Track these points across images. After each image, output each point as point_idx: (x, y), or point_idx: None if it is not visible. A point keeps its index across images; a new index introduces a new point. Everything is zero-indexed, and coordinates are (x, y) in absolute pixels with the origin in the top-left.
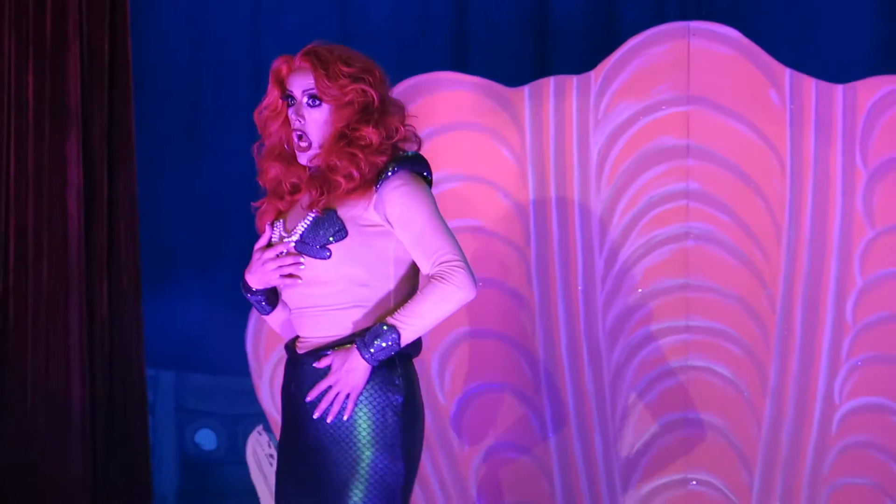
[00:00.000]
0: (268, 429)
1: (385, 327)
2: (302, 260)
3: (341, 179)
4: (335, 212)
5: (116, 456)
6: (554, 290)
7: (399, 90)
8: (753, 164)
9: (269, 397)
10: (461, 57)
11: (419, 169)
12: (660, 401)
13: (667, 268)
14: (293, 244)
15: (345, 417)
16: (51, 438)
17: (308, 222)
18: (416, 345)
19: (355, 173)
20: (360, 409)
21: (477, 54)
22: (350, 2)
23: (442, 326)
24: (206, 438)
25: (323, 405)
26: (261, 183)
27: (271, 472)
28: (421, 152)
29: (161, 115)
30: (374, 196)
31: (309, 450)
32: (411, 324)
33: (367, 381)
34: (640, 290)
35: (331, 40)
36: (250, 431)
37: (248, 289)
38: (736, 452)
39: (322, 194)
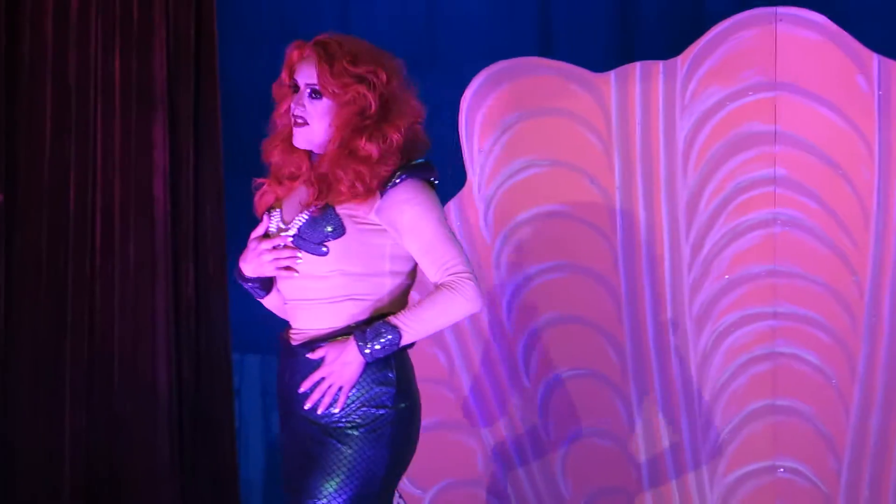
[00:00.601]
0: None
1: (387, 327)
2: (299, 255)
3: (344, 190)
4: (333, 209)
5: (203, 440)
6: (640, 275)
7: (485, 75)
8: (841, 151)
9: None
10: (547, 42)
11: (426, 175)
12: (747, 388)
13: (754, 254)
14: (290, 239)
15: (336, 410)
16: (137, 423)
17: (306, 217)
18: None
19: (360, 187)
20: (351, 402)
21: (563, 39)
22: None
23: (528, 311)
24: None
25: (315, 396)
26: (265, 161)
27: None
28: (467, 145)
29: (246, 100)
30: (378, 202)
31: (300, 439)
32: (414, 328)
33: (360, 375)
34: (727, 277)
35: (417, 27)
36: None
37: (242, 276)
38: (824, 440)
39: (321, 196)
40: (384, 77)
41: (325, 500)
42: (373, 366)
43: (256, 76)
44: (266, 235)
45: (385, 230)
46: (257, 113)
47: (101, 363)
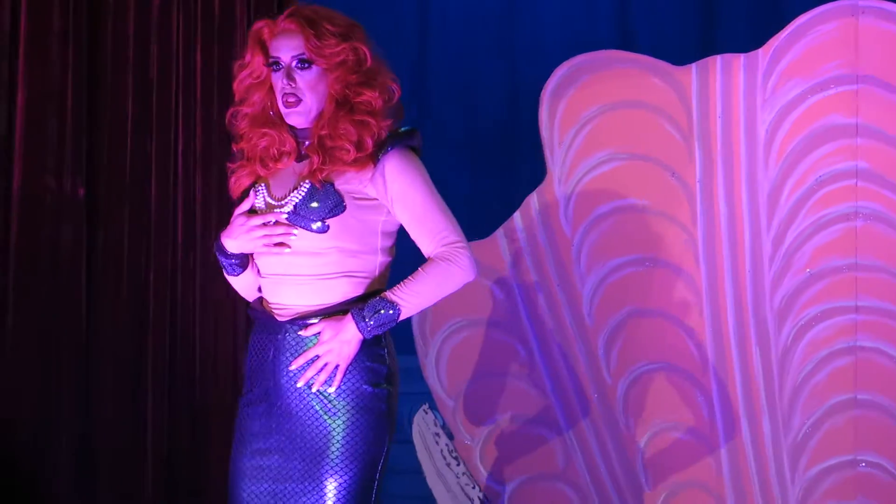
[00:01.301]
0: (433, 407)
1: (385, 303)
2: (295, 231)
3: (350, 147)
4: (333, 185)
5: None
6: (721, 269)
7: (566, 68)
8: None
9: (435, 375)
10: (628, 35)
11: (413, 143)
12: (828, 382)
13: (836, 247)
14: (285, 215)
15: (332, 389)
16: (219, 418)
17: (303, 193)
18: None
19: (368, 140)
20: (347, 380)
21: (644, 32)
22: None
23: (609, 305)
24: None
25: (309, 373)
26: (240, 148)
27: (437, 449)
28: (548, 139)
29: None
30: (373, 171)
31: (285, 416)
32: (412, 302)
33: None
34: (808, 270)
35: (498, 19)
36: (416, 410)
37: (223, 251)
38: None
39: (325, 164)
40: (362, 31)
41: (332, 484)
42: (366, 343)
43: None
44: (252, 212)
45: (379, 205)
46: None
47: (183, 358)
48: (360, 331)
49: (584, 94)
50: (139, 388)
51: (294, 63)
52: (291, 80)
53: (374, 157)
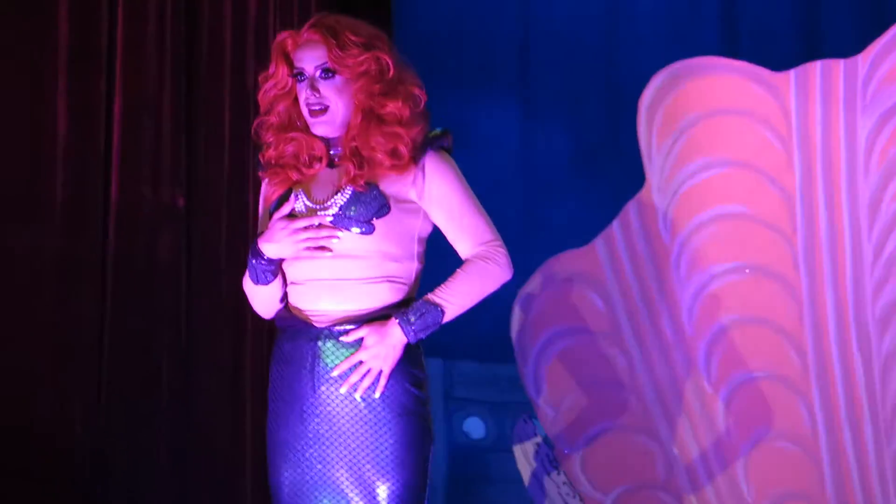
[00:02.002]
0: (533, 417)
1: (429, 305)
2: (339, 234)
3: (385, 157)
4: (377, 186)
5: None
6: (822, 276)
7: (664, 75)
8: None
9: (535, 385)
10: (731, 41)
11: (446, 144)
12: None
13: None
14: (329, 218)
15: (376, 394)
16: None
17: (347, 196)
18: None
19: (402, 149)
20: (391, 386)
21: (747, 39)
22: None
23: (709, 313)
24: (475, 427)
25: (353, 379)
26: (268, 158)
27: (538, 459)
28: (646, 145)
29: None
30: (414, 173)
31: (325, 424)
32: (455, 303)
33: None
34: None
35: (598, 23)
36: (517, 420)
37: (260, 256)
38: None
39: (361, 170)
40: (386, 40)
41: (382, 492)
42: (407, 348)
43: (433, 80)
44: (292, 216)
45: (417, 209)
46: (435, 122)
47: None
48: (406, 334)
49: (682, 102)
50: (238, 395)
51: (318, 73)
52: (315, 90)
53: (415, 160)
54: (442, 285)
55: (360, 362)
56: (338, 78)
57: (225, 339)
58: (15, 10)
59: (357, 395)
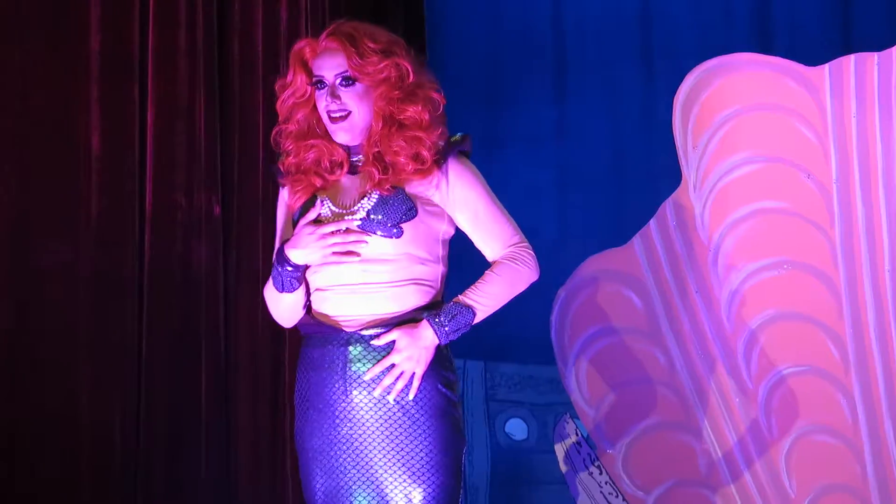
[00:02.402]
0: (574, 417)
1: (460, 307)
2: (366, 238)
3: (408, 161)
4: (403, 190)
5: None
6: (860, 270)
7: (698, 72)
8: None
9: (575, 384)
10: (765, 37)
11: (466, 148)
12: None
13: None
14: (357, 222)
15: (410, 397)
16: None
17: (374, 200)
18: None
19: (425, 153)
20: (424, 388)
21: (780, 34)
22: None
23: (747, 309)
24: (517, 428)
25: (386, 381)
26: (288, 166)
27: (579, 459)
28: (681, 143)
29: (455, 109)
30: (438, 177)
31: (358, 428)
32: (486, 304)
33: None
34: None
35: (632, 21)
36: (558, 420)
37: (287, 263)
38: None
39: (386, 174)
40: (405, 45)
41: (417, 496)
42: (437, 350)
43: (468, 81)
44: (318, 221)
45: (442, 212)
46: (469, 115)
47: None
48: (438, 336)
49: (717, 98)
50: (278, 402)
51: (338, 81)
52: (336, 97)
53: (438, 164)
54: (472, 287)
55: (393, 365)
56: (358, 85)
57: (264, 345)
58: (46, 18)
59: (390, 398)
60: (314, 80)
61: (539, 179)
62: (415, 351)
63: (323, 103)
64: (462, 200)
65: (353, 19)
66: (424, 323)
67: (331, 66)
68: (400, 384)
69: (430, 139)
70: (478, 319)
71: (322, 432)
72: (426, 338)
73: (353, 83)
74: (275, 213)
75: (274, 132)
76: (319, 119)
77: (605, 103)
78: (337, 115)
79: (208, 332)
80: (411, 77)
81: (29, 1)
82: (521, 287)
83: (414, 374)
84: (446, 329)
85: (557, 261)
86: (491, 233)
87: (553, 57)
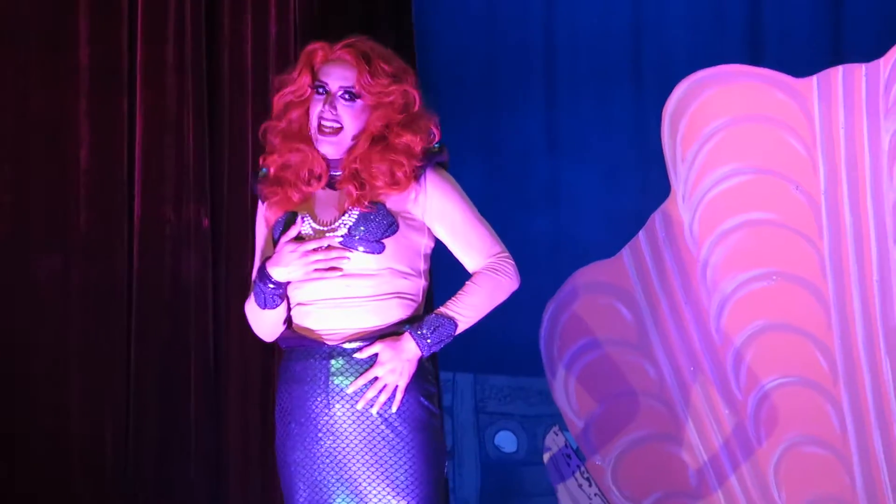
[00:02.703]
0: (563, 428)
1: (442, 318)
2: (348, 254)
3: (381, 184)
4: (384, 205)
5: None
6: (848, 281)
7: (688, 84)
8: None
9: (564, 396)
10: (756, 48)
11: (443, 159)
12: None
13: None
14: (339, 239)
15: (393, 409)
16: None
17: (355, 217)
18: None
19: (400, 176)
20: (406, 401)
21: (771, 44)
22: None
23: (736, 320)
24: (507, 440)
25: (369, 394)
26: (269, 164)
27: (569, 471)
28: (670, 154)
29: (452, 113)
30: (415, 189)
31: (340, 442)
32: (467, 315)
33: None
34: None
35: (624, 32)
36: (547, 432)
37: (269, 280)
38: None
39: (363, 191)
40: (413, 76)
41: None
42: (420, 363)
43: (461, 88)
44: (299, 238)
45: (422, 226)
46: (464, 124)
47: None
48: (420, 348)
49: (705, 110)
50: (267, 409)
51: (340, 93)
52: (333, 108)
53: (415, 177)
54: (453, 298)
55: (376, 378)
56: (359, 102)
57: (253, 357)
58: (35, 31)
59: (373, 411)
60: (317, 83)
61: (530, 190)
62: (398, 364)
63: (317, 109)
64: (440, 212)
65: (371, 39)
66: (407, 335)
67: (338, 77)
68: (383, 397)
69: (410, 165)
70: (459, 330)
71: (304, 445)
72: (409, 350)
73: (354, 99)
74: None
75: (263, 127)
76: (309, 120)
77: (596, 114)
78: (329, 127)
79: (197, 342)
80: (416, 106)
81: (20, 13)
82: (501, 297)
83: (397, 386)
84: (429, 341)
85: (548, 272)
86: (470, 244)
87: (543, 68)
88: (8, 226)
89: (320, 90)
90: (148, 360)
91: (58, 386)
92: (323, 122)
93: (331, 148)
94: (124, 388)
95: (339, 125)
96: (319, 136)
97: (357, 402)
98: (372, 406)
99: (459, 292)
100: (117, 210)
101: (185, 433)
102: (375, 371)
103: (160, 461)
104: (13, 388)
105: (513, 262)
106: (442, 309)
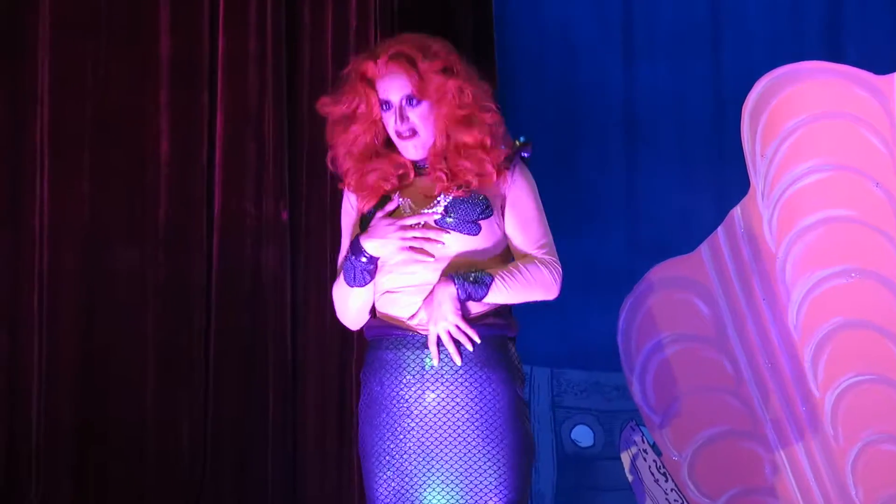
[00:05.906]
0: (640, 424)
1: (487, 276)
2: (443, 236)
3: (473, 178)
4: (476, 190)
5: None
6: None
7: (767, 80)
8: None
9: (641, 392)
10: (834, 45)
11: (528, 154)
12: None
13: None
14: (437, 216)
15: (470, 347)
16: None
17: (449, 199)
18: (516, 328)
19: (490, 169)
20: (503, 392)
21: (850, 42)
22: None
23: (815, 317)
24: (583, 435)
25: (432, 350)
26: (352, 186)
27: (645, 466)
28: (750, 151)
29: (528, 116)
30: (508, 178)
31: (434, 432)
32: (503, 288)
33: (503, 365)
34: None
35: (702, 30)
36: (624, 427)
37: (362, 254)
38: None
39: (452, 182)
40: (457, 59)
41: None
42: (510, 357)
43: (539, 96)
44: (395, 215)
45: (501, 214)
46: (549, 142)
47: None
48: (456, 286)
49: (785, 106)
50: (346, 407)
51: (404, 102)
52: (404, 118)
53: (507, 165)
54: (505, 268)
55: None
56: (424, 103)
57: (331, 350)
58: (117, 24)
59: (457, 361)
60: (381, 101)
61: (607, 182)
62: (436, 314)
63: (392, 123)
64: (516, 200)
65: (404, 35)
66: (441, 283)
67: (395, 89)
68: (450, 347)
69: (494, 160)
70: (489, 295)
71: (394, 434)
72: (438, 294)
73: (418, 103)
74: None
75: (328, 158)
76: (379, 134)
77: (673, 111)
78: (406, 133)
79: (275, 337)
80: (469, 97)
81: (99, 4)
82: (539, 293)
83: (456, 327)
84: (462, 281)
85: (625, 267)
86: (529, 234)
87: (622, 64)
88: (86, 216)
89: (385, 107)
90: (226, 354)
91: (134, 379)
92: (400, 133)
93: (415, 150)
94: (202, 382)
95: (414, 131)
96: (401, 142)
97: (452, 389)
98: (450, 359)
99: (512, 266)
100: (196, 203)
101: (262, 428)
102: (430, 333)
103: (236, 456)
104: (92, 381)
105: (561, 271)
106: (492, 270)
